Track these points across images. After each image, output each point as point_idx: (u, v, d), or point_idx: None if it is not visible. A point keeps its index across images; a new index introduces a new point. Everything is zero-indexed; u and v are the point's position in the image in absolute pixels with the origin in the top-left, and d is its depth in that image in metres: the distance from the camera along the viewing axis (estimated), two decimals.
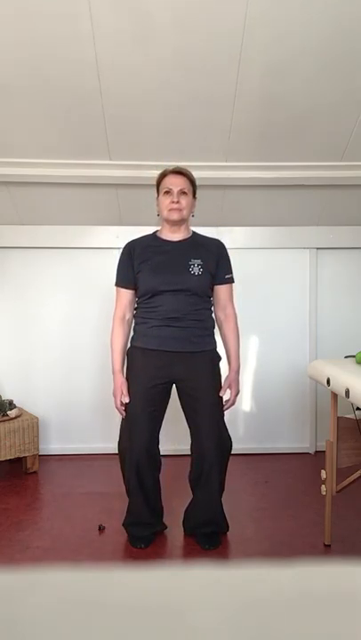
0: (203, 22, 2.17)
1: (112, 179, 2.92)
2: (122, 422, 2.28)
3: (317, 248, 3.45)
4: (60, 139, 2.73)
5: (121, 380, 2.22)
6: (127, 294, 2.25)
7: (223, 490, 2.26)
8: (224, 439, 2.21)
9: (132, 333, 2.27)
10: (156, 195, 2.26)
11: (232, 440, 2.26)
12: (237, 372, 2.26)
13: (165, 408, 2.24)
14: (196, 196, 2.26)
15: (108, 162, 2.85)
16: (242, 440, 3.40)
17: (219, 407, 2.20)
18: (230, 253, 2.31)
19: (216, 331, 2.29)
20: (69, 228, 3.32)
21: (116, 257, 2.34)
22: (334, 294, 3.49)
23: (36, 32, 2.19)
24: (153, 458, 2.22)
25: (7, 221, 3.28)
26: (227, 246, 2.32)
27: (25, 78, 2.39)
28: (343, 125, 2.68)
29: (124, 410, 2.21)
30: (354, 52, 2.31)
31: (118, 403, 2.23)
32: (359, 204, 3.24)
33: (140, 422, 2.17)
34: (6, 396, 3.28)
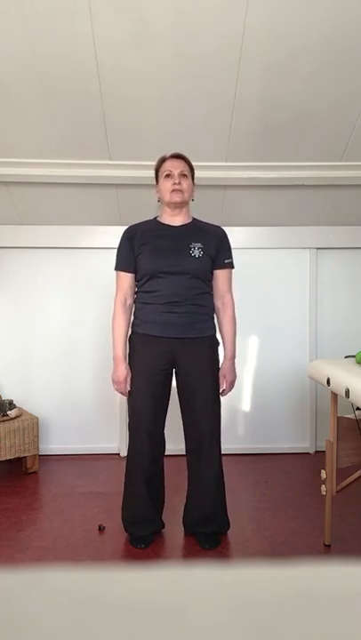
0: (203, 23, 2.17)
1: (112, 179, 2.93)
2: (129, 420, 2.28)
3: (317, 248, 3.45)
4: (60, 139, 2.73)
5: (125, 371, 2.22)
6: (128, 278, 2.25)
7: (223, 482, 2.27)
8: (219, 427, 2.25)
9: (132, 318, 2.28)
10: (155, 181, 2.27)
11: (228, 438, 2.27)
12: (232, 360, 2.29)
13: (169, 392, 2.26)
14: (195, 182, 2.28)
15: (108, 162, 2.85)
16: (242, 440, 3.41)
17: (216, 394, 2.24)
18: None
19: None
20: (69, 228, 3.32)
21: None
22: (334, 294, 3.49)
23: (36, 32, 2.19)
24: (157, 444, 2.25)
25: (7, 221, 3.28)
26: None
27: (25, 78, 2.39)
28: (343, 125, 2.68)
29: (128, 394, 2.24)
30: (354, 52, 2.31)
31: (120, 390, 2.25)
32: (359, 203, 3.24)
33: (144, 409, 2.19)
34: (6, 396, 3.28)
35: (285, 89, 2.48)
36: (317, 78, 2.43)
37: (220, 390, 2.26)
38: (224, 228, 2.34)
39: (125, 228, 2.32)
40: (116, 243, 2.30)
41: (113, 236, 3.10)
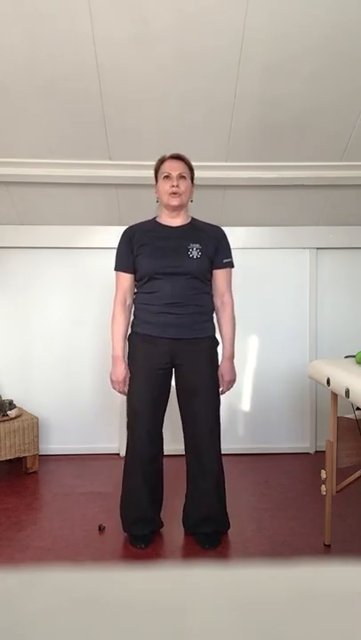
0: (203, 23, 2.17)
1: (112, 179, 2.93)
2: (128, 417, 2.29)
3: (317, 248, 3.45)
4: (60, 139, 2.73)
5: (124, 371, 2.23)
6: (127, 278, 2.26)
7: (223, 481, 2.27)
8: (219, 426, 2.25)
9: (131, 318, 2.29)
10: (154, 181, 2.27)
11: (228, 438, 2.27)
12: (231, 360, 2.29)
13: (168, 392, 2.27)
14: (194, 182, 2.28)
15: (108, 162, 2.85)
16: (242, 440, 3.41)
17: (216, 393, 2.24)
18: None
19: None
20: (69, 228, 3.32)
21: None
22: (334, 294, 3.49)
23: (36, 32, 2.19)
24: (156, 444, 2.26)
25: (7, 221, 3.28)
26: None
27: (25, 78, 2.39)
28: (343, 125, 2.68)
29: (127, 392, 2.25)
30: (354, 52, 2.31)
31: (118, 389, 2.26)
32: (359, 203, 3.24)
33: (143, 409, 2.20)
34: (6, 396, 3.28)
35: (285, 89, 2.48)
36: (317, 78, 2.43)
37: (219, 390, 2.27)
38: (224, 228, 2.34)
39: (124, 227, 2.33)
40: (115, 243, 2.30)
41: (113, 235, 3.10)
